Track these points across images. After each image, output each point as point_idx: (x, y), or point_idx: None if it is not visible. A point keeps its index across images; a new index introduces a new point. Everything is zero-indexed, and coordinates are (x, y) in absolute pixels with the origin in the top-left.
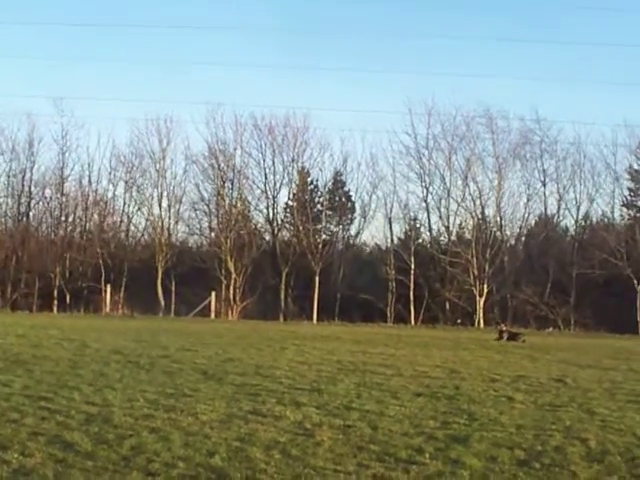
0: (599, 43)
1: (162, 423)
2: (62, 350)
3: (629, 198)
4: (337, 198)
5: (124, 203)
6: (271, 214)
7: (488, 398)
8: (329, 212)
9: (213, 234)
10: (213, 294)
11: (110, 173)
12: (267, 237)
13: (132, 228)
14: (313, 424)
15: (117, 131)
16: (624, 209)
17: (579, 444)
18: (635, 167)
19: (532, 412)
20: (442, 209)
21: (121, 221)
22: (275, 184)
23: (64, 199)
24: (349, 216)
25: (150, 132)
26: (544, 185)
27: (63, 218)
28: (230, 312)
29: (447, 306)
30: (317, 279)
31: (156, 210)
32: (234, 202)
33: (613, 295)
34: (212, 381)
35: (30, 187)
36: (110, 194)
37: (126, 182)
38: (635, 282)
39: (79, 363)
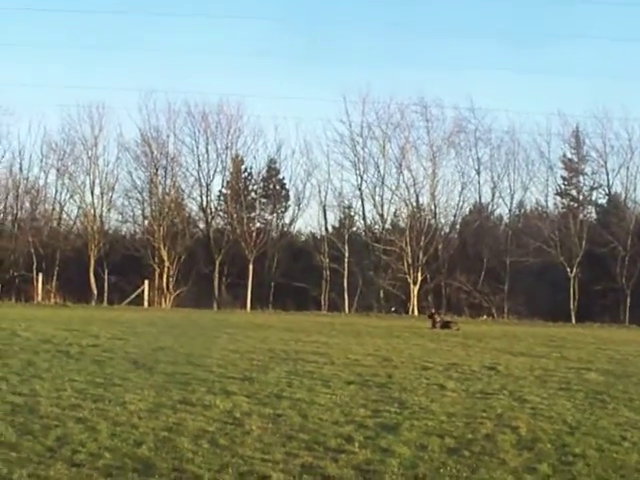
0: (533, 33)
1: (89, 413)
2: None
3: (563, 187)
4: (271, 186)
5: (56, 191)
6: (205, 202)
7: (420, 386)
8: (263, 200)
9: (146, 222)
10: (146, 282)
11: (41, 160)
12: (201, 225)
13: (64, 216)
14: (242, 413)
15: (48, 118)
16: (558, 198)
17: (509, 432)
18: (568, 156)
19: (463, 400)
20: (376, 197)
21: (53, 209)
22: (209, 172)
23: None
24: (283, 204)
25: (82, 119)
26: (478, 173)
27: None
28: (163, 301)
29: (381, 294)
30: (251, 267)
31: (88, 198)
32: (167, 190)
33: (546, 283)
34: (142, 370)
35: None
36: (42, 182)
37: (58, 169)
38: (568, 270)
39: (8, 352)
